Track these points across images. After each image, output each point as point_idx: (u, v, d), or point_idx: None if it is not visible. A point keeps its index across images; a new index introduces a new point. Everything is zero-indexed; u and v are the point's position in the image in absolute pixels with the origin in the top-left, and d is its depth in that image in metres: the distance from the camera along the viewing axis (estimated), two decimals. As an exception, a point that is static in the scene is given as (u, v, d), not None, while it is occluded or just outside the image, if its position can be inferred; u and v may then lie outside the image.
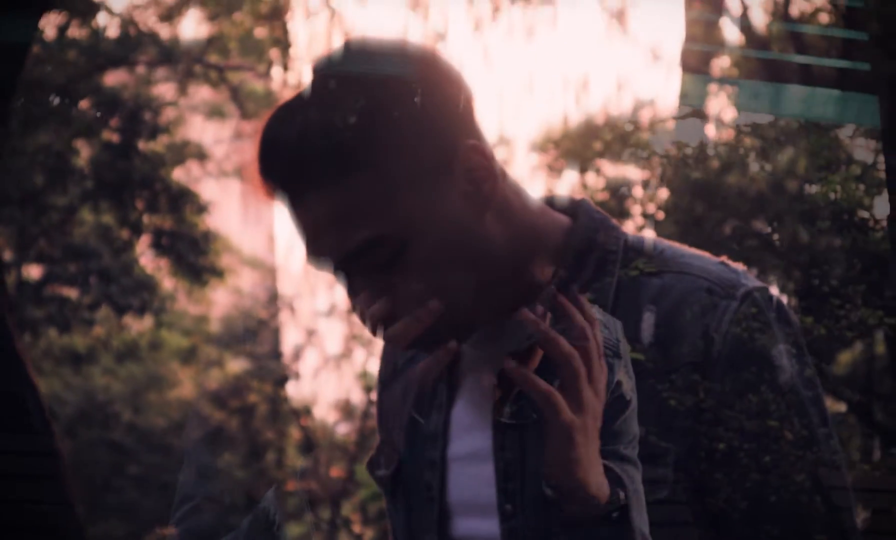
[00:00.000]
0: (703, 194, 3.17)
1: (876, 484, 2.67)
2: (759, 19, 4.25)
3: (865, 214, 3.04)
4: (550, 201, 1.60)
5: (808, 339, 1.56)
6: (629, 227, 3.57)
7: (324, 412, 8.04)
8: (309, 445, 7.86)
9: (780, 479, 1.51)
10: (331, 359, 7.72)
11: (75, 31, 6.50)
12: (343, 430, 8.03)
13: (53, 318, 7.11)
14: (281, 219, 1.49)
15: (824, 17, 3.91)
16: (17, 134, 5.98)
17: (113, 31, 6.64)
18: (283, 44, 6.43)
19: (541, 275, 1.49)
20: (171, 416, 7.82)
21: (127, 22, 6.59)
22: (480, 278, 1.47)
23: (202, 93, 7.21)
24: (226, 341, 7.97)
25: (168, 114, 6.97)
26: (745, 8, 3.91)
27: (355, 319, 1.48)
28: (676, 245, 1.59)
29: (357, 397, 7.83)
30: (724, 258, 1.58)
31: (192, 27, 6.97)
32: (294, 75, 6.33)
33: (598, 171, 3.99)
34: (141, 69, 6.93)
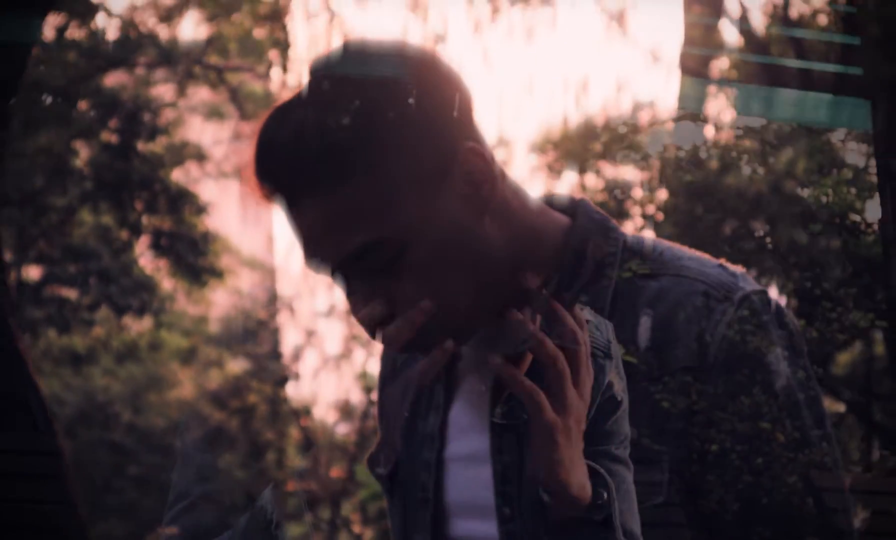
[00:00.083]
0: (699, 196, 3.17)
1: (875, 486, 2.67)
2: (759, 21, 4.25)
3: (857, 218, 3.05)
4: (550, 200, 1.60)
5: (801, 342, 1.56)
6: (628, 227, 3.58)
7: (323, 412, 8.04)
8: (309, 445, 7.86)
9: (772, 481, 1.51)
10: (330, 359, 7.72)
11: (74, 32, 6.50)
12: (343, 430, 8.03)
13: (53, 318, 7.11)
14: (280, 219, 1.48)
15: (823, 19, 3.91)
16: (18, 135, 5.98)
17: (112, 33, 6.65)
18: (283, 45, 6.43)
19: (539, 277, 1.50)
20: (171, 416, 7.82)
21: (127, 23, 6.59)
22: (479, 281, 1.47)
23: (201, 94, 7.21)
24: (225, 342, 7.97)
25: (167, 115, 6.97)
26: (744, 10, 3.91)
27: (354, 319, 1.48)
28: (676, 247, 1.59)
29: (356, 398, 7.83)
30: (722, 261, 1.58)
31: (192, 28, 6.97)
32: (293, 76, 6.33)
33: (598, 172, 3.99)
34: (140, 70, 6.93)
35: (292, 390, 7.98)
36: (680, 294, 1.54)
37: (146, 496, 7.39)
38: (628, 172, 3.74)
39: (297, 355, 7.79)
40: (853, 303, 2.86)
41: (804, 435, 1.51)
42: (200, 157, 7.12)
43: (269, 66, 6.79)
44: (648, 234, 3.37)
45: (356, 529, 7.92)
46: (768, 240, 3.13)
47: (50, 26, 6.24)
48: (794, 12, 4.11)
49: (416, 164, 1.45)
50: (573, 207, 1.60)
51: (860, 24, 2.56)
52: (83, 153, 6.90)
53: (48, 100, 6.40)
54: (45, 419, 3.96)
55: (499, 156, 1.51)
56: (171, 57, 6.82)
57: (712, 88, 3.69)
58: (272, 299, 8.24)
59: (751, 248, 3.17)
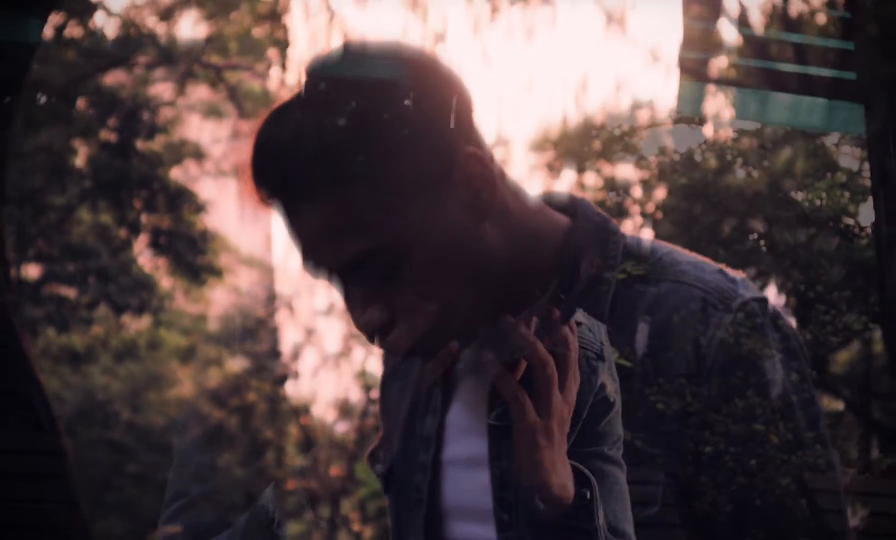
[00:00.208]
0: (697, 196, 3.17)
1: (874, 487, 2.67)
2: (758, 21, 4.25)
3: (851, 222, 3.06)
4: (549, 199, 1.59)
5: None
6: (628, 226, 3.58)
7: (323, 411, 8.04)
8: (309, 443, 7.86)
9: (766, 482, 1.51)
10: (330, 358, 7.72)
11: (73, 31, 6.50)
12: (342, 428, 8.03)
13: (52, 317, 7.11)
14: (279, 218, 1.48)
15: (822, 18, 3.91)
16: (18, 134, 5.98)
17: (111, 32, 6.64)
18: (282, 44, 6.43)
19: (539, 279, 1.49)
20: (171, 415, 7.82)
21: (127, 23, 6.59)
22: (479, 286, 1.46)
23: (200, 92, 7.20)
24: (225, 341, 7.97)
25: (166, 113, 6.97)
26: (743, 10, 3.91)
27: (353, 324, 1.47)
28: (676, 251, 1.58)
29: (356, 396, 7.83)
30: (723, 266, 1.57)
31: (191, 27, 6.97)
32: (293, 75, 6.33)
33: (598, 171, 3.99)
34: (139, 69, 6.93)
35: (292, 389, 7.98)
36: (678, 301, 1.54)
37: (146, 495, 7.39)
38: (628, 171, 3.74)
39: (296, 354, 7.79)
40: (847, 306, 2.87)
41: (798, 437, 1.51)
42: (199, 155, 7.12)
43: (269, 65, 6.79)
44: (648, 234, 3.37)
45: (356, 527, 7.92)
46: (762, 243, 3.14)
47: (49, 25, 6.23)
48: (793, 11, 4.10)
49: (415, 171, 1.44)
50: (573, 207, 1.59)
51: (856, 28, 2.56)
52: (82, 152, 6.90)
53: (43, 99, 6.40)
54: (50, 419, 3.96)
55: (498, 155, 1.50)
56: (171, 56, 6.82)
57: (711, 88, 3.68)
58: (271, 298, 8.24)
59: (748, 249, 3.17)
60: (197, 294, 7.52)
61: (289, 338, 7.91)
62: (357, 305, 1.45)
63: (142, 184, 6.83)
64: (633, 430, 1.49)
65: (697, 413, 1.50)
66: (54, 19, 6.23)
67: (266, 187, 1.45)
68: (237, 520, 1.57)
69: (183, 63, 6.88)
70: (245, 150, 1.47)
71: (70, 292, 7.14)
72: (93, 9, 6.59)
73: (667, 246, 1.61)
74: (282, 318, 7.98)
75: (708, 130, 3.39)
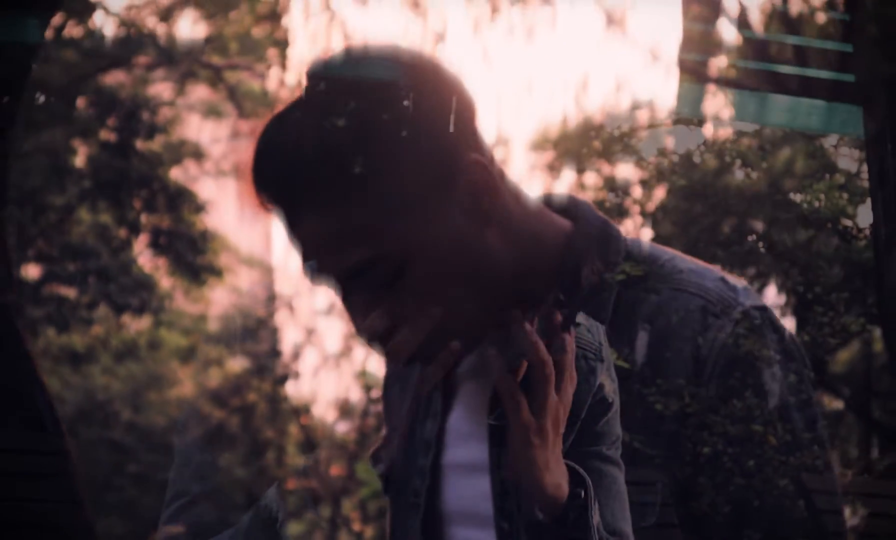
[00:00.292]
0: (694, 197, 3.18)
1: (874, 488, 2.67)
2: (758, 20, 4.24)
3: (849, 223, 3.06)
4: (549, 200, 1.59)
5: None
6: (628, 225, 3.58)
7: (323, 411, 8.04)
8: (309, 443, 7.86)
9: (764, 483, 1.51)
10: (330, 357, 7.72)
11: (72, 31, 6.50)
12: (342, 428, 8.03)
13: (52, 317, 7.11)
14: (278, 219, 1.47)
15: (821, 17, 3.91)
16: (19, 134, 5.98)
17: (110, 31, 6.64)
18: (282, 44, 6.43)
19: (541, 284, 1.49)
20: (171, 414, 7.82)
21: (127, 22, 6.58)
22: (481, 292, 1.46)
23: (199, 92, 7.20)
24: (225, 340, 7.97)
25: (165, 113, 6.96)
26: (742, 9, 3.91)
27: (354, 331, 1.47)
28: (678, 256, 1.58)
29: (356, 396, 7.83)
30: (724, 273, 1.57)
31: (190, 26, 6.96)
32: (292, 75, 6.33)
33: (598, 170, 3.99)
34: (138, 69, 6.93)
35: (292, 389, 7.98)
36: (678, 309, 1.55)
37: (146, 494, 7.39)
38: (627, 171, 3.74)
39: (296, 353, 7.79)
40: (845, 307, 2.87)
41: (796, 438, 1.52)
42: (198, 155, 7.12)
43: (268, 65, 6.78)
44: (647, 233, 3.36)
45: (356, 527, 7.92)
46: (761, 244, 3.14)
47: (49, 25, 6.23)
48: (793, 9, 4.10)
49: (418, 178, 1.44)
50: (574, 209, 1.59)
51: (855, 27, 2.56)
52: (81, 152, 6.89)
53: (41, 98, 6.40)
54: (53, 420, 3.96)
55: (498, 155, 1.49)
56: (171, 56, 6.82)
57: (710, 87, 3.68)
58: (271, 298, 8.24)
59: (746, 249, 3.18)
60: (197, 294, 7.51)
61: (289, 337, 7.91)
62: (358, 312, 1.45)
63: (141, 183, 6.83)
64: (631, 430, 1.49)
65: (696, 414, 1.50)
66: (54, 19, 6.23)
67: (267, 194, 1.45)
68: (237, 519, 1.57)
69: (182, 63, 6.88)
70: (246, 156, 1.47)
71: (70, 292, 7.14)
72: (92, 8, 6.59)
73: (668, 251, 1.61)
74: (282, 317, 7.98)
75: (707, 130, 3.40)
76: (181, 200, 6.90)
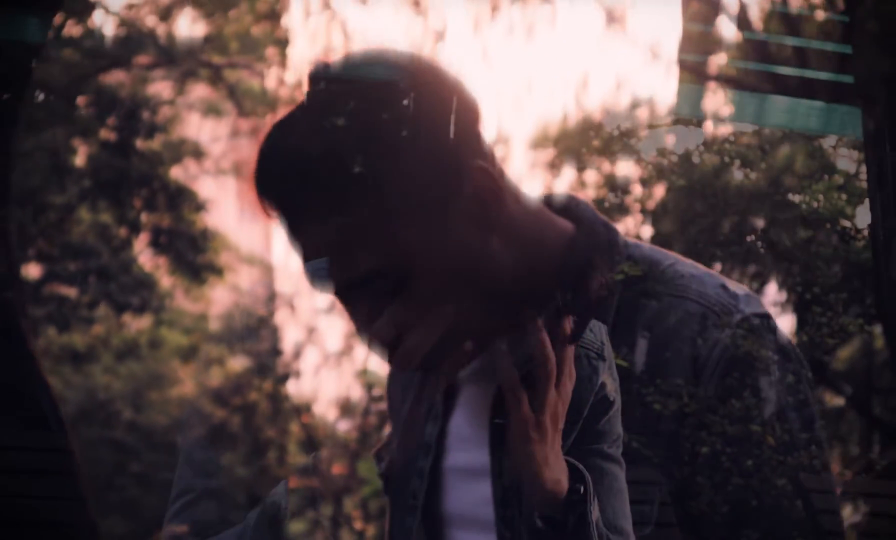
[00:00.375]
0: (692, 197, 3.18)
1: (874, 487, 2.67)
2: (757, 17, 4.24)
3: (848, 224, 3.07)
4: (549, 201, 1.59)
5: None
6: (628, 222, 3.58)
7: (324, 409, 8.04)
8: (311, 442, 7.86)
9: (762, 483, 1.51)
10: (331, 356, 7.72)
11: (72, 30, 6.50)
12: (344, 427, 8.04)
13: (53, 317, 7.11)
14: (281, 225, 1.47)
15: (820, 15, 3.91)
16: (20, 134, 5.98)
17: (110, 30, 6.64)
18: (282, 42, 6.43)
19: (543, 286, 1.49)
20: (173, 414, 7.82)
21: (127, 22, 6.58)
22: (486, 299, 1.46)
23: (198, 90, 7.20)
24: (226, 339, 7.97)
25: (165, 112, 6.96)
26: (742, 7, 3.90)
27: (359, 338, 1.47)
28: (680, 261, 1.57)
29: (357, 394, 7.83)
30: (725, 280, 1.56)
31: (189, 25, 6.96)
32: (292, 74, 6.33)
33: (598, 168, 3.99)
34: (138, 68, 6.93)
35: (293, 387, 7.98)
36: (677, 317, 1.54)
37: (148, 494, 7.39)
38: (628, 168, 3.74)
39: (297, 352, 7.79)
40: (843, 308, 2.88)
41: (793, 438, 1.52)
42: (198, 154, 7.12)
43: (268, 63, 6.78)
44: (647, 231, 3.36)
45: (358, 525, 7.93)
46: (759, 244, 3.15)
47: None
48: (792, 4, 4.10)
49: (423, 188, 1.43)
50: (575, 210, 1.59)
51: (855, 25, 2.56)
52: (82, 151, 6.89)
53: (41, 96, 6.40)
54: (57, 419, 3.97)
55: (498, 153, 1.49)
56: (171, 55, 6.82)
57: (711, 84, 3.68)
58: (272, 296, 8.24)
59: (745, 249, 3.18)
60: (197, 293, 7.52)
61: (290, 336, 7.90)
62: (364, 321, 1.44)
63: (141, 182, 6.83)
64: (630, 430, 1.49)
65: (694, 414, 1.51)
66: (55, 19, 6.23)
67: (270, 201, 1.44)
68: (239, 518, 1.58)
69: (182, 62, 6.88)
70: (248, 160, 1.46)
71: (70, 292, 7.14)
72: (91, 7, 6.59)
73: (670, 255, 1.61)
74: (282, 316, 7.98)
75: (706, 128, 3.40)
76: (181, 199, 6.91)
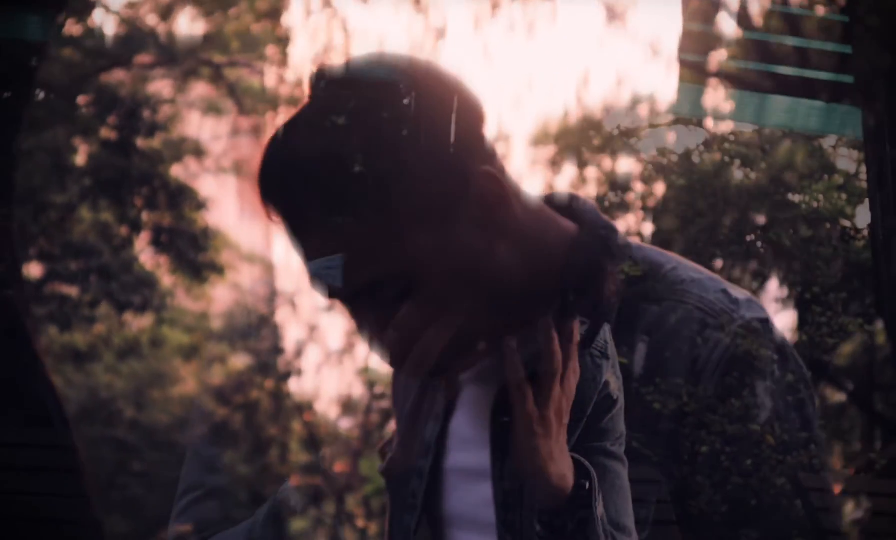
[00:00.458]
0: (692, 196, 3.18)
1: (875, 487, 2.67)
2: (757, 12, 4.24)
3: (848, 224, 3.07)
4: (551, 200, 1.59)
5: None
6: (630, 220, 3.58)
7: (326, 407, 8.05)
8: (313, 440, 7.87)
9: (761, 482, 1.52)
10: (333, 354, 7.72)
11: (72, 29, 6.50)
12: (346, 424, 8.04)
13: (54, 316, 7.11)
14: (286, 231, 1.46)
15: (821, 10, 3.91)
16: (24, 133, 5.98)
17: (110, 29, 6.64)
18: (283, 41, 6.43)
19: (547, 287, 1.49)
20: (175, 412, 7.83)
21: (128, 21, 6.59)
22: (492, 303, 1.46)
23: (199, 89, 7.20)
24: (227, 338, 7.98)
25: (165, 111, 6.97)
26: (742, 4, 3.90)
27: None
28: (682, 265, 1.58)
29: (359, 392, 7.84)
30: (727, 285, 1.57)
31: (189, 24, 6.96)
32: (293, 72, 6.33)
33: (599, 166, 3.99)
34: (139, 67, 6.93)
35: (295, 386, 7.98)
36: (677, 322, 1.55)
37: (150, 493, 7.39)
38: (629, 165, 3.75)
39: (299, 351, 7.79)
40: (843, 308, 2.89)
41: (793, 438, 1.52)
42: (199, 152, 7.12)
43: (269, 62, 6.78)
44: (648, 228, 3.37)
45: (360, 523, 7.93)
46: (759, 243, 3.15)
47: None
48: (793, 1, 4.09)
49: (428, 194, 1.43)
50: (577, 210, 1.59)
51: (855, 21, 2.56)
52: (82, 150, 6.90)
53: (41, 95, 6.40)
54: (61, 418, 3.98)
55: (499, 150, 1.49)
56: (172, 53, 6.82)
57: (711, 81, 3.68)
58: (273, 295, 8.24)
59: (745, 248, 3.19)
60: (199, 291, 7.52)
61: (291, 334, 7.90)
62: (370, 329, 1.45)
63: (142, 181, 6.84)
64: (630, 430, 1.50)
65: (694, 413, 1.51)
66: (59, 18, 6.23)
67: (276, 210, 1.44)
68: (241, 516, 1.58)
69: (182, 60, 6.88)
70: (250, 163, 1.46)
71: (72, 291, 7.15)
72: (92, 6, 6.60)
73: (673, 259, 1.61)
74: (284, 314, 7.98)
75: (707, 126, 3.40)
76: (182, 198, 6.91)
